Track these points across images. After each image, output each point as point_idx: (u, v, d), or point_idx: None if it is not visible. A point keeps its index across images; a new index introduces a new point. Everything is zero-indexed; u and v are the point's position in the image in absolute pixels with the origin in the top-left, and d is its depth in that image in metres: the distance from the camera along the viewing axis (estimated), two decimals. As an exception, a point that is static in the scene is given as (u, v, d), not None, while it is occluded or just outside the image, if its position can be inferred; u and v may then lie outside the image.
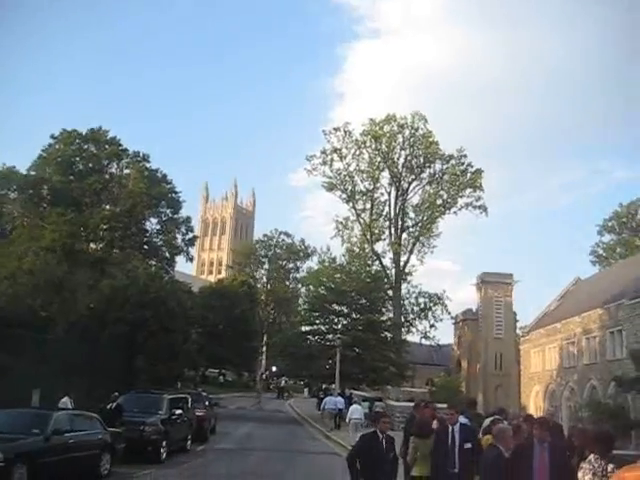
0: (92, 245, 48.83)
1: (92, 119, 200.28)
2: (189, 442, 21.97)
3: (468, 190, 55.86)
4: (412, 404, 19.34)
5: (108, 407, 19.48)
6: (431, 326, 56.31)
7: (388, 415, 10.34)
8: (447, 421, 10.35)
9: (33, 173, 48.31)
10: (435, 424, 11.00)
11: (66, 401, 19.74)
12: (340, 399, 35.66)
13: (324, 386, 52.15)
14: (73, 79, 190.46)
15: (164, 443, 18.89)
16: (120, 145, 50.43)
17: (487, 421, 11.80)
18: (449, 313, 58.92)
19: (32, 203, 47.32)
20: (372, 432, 9.46)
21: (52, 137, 49.41)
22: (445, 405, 13.46)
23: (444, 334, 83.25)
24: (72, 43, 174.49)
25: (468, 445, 9.67)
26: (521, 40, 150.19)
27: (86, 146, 49.77)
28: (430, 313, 56.50)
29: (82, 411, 17.13)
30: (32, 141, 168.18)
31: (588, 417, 35.47)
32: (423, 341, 58.60)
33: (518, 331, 73.21)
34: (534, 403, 60.17)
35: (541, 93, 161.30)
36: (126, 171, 51.20)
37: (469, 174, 55.80)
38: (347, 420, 28.52)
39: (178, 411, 20.98)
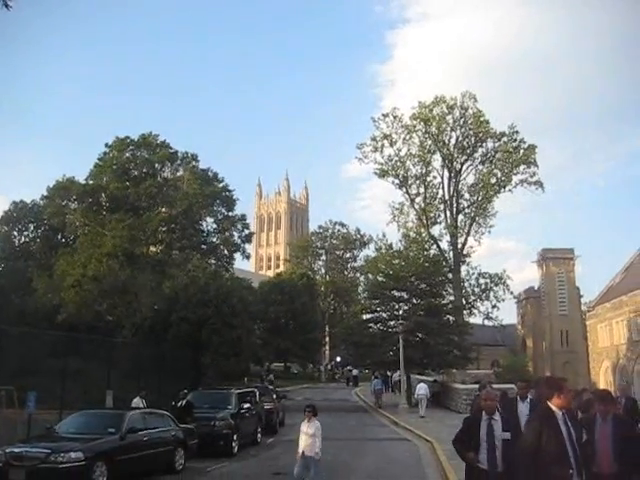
0: (152, 248, 49.81)
1: (140, 123, 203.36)
2: (259, 435, 22.30)
3: (522, 167, 54.78)
4: (477, 386, 19.27)
5: (179, 405, 19.93)
6: (493, 307, 55.50)
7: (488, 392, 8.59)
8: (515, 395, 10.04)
9: (91, 182, 49.56)
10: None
11: (138, 401, 20.25)
12: (377, 381, 42.40)
13: (389, 373, 52.31)
14: (122, 86, 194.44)
15: (235, 437, 19.23)
16: (170, 148, 51.29)
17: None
18: (511, 293, 57.91)
19: (92, 211, 48.56)
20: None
21: (106, 145, 50.64)
22: (512, 385, 13.22)
23: (507, 314, 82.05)
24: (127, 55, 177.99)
25: None
26: (573, 8, 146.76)
27: (139, 152, 50.78)
28: (492, 294, 55.72)
29: (154, 409, 17.62)
30: (88, 150, 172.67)
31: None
32: (486, 322, 57.92)
33: (583, 307, 71.79)
34: (604, 379, 59.14)
35: (600, 60, 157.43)
36: (179, 173, 52.06)
37: (522, 150, 54.65)
38: (415, 396, 33.86)
39: (247, 405, 21.34)
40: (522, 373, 46.68)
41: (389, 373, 52.49)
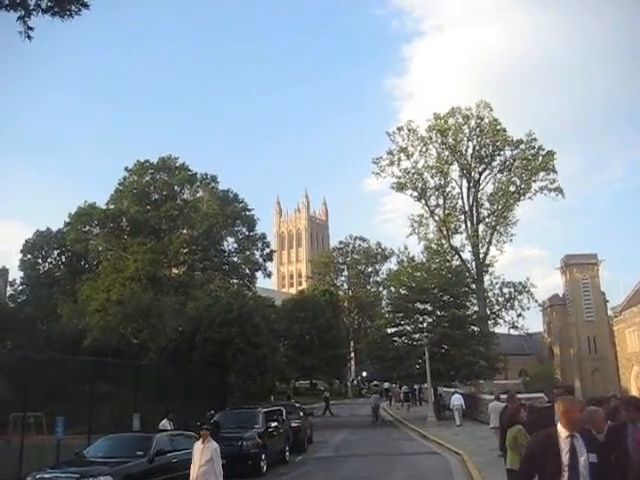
0: (174, 270, 50.08)
1: (161, 146, 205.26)
2: (287, 453, 22.21)
3: (541, 174, 54.47)
4: (505, 396, 19.11)
5: (205, 425, 19.91)
6: (518, 315, 55.18)
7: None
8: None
9: (112, 207, 50.01)
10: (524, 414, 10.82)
11: (165, 423, 20.27)
12: (375, 396, 45.51)
13: (416, 386, 51.99)
14: (141, 110, 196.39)
15: (263, 456, 19.16)
16: (189, 170, 51.68)
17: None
18: (536, 301, 57.48)
19: (113, 236, 49.00)
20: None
21: (126, 170, 51.17)
22: (541, 394, 13.07)
23: (533, 322, 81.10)
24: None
25: None
26: (584, 15, 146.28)
27: (158, 175, 51.23)
28: (516, 302, 55.38)
29: (181, 431, 17.62)
30: (108, 176, 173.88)
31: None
32: (512, 331, 57.45)
33: (610, 312, 70.94)
34: (635, 384, 58.26)
35: (616, 67, 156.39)
36: (198, 194, 52.41)
37: (540, 157, 54.36)
38: (451, 406, 34.69)
39: (274, 424, 21.29)
40: (550, 381, 46.21)
41: (416, 386, 52.22)
